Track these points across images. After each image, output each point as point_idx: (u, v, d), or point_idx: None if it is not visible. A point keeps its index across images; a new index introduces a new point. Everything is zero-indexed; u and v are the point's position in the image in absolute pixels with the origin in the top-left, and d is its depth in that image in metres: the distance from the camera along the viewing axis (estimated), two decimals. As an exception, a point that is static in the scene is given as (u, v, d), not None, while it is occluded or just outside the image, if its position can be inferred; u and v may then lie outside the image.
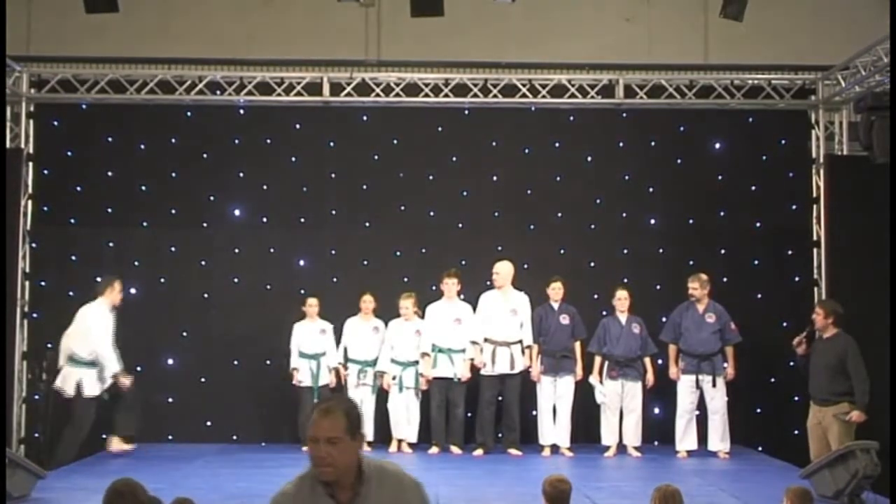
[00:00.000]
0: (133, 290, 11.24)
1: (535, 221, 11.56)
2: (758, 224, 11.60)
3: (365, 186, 11.54)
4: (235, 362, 11.19)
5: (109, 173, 11.40)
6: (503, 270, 10.55)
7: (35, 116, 11.38)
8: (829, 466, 7.79)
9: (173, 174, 11.42)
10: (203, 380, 11.12)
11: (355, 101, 11.51)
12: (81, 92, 11.28)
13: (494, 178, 11.59)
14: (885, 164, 9.77)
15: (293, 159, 11.52)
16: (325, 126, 11.58)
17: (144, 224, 11.43)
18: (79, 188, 11.36)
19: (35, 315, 11.24)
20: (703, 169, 11.68)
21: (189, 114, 11.50)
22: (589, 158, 11.66)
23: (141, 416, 10.24)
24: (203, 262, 11.34)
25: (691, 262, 11.11)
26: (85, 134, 11.39)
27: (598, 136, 11.67)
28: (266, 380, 11.18)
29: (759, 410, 11.23)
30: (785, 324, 10.76)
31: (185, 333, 11.20)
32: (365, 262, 11.36)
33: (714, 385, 10.27)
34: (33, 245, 11.30)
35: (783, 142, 11.77)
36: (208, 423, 11.11)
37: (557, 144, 11.68)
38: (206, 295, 11.23)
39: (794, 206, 11.66)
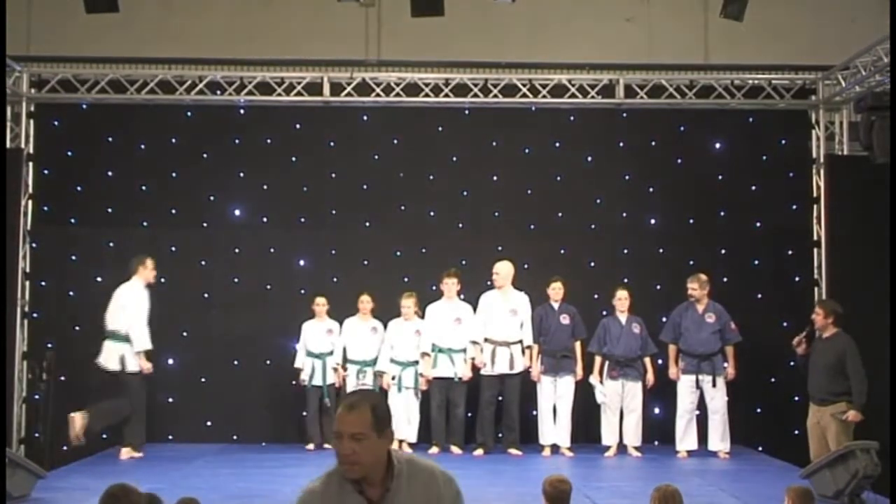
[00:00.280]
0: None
1: (535, 221, 11.56)
2: (758, 224, 11.60)
3: (365, 186, 11.54)
4: (235, 362, 11.19)
5: (109, 173, 11.41)
6: (503, 270, 10.55)
7: (35, 116, 11.38)
8: (830, 466, 7.80)
9: (173, 174, 11.43)
10: (203, 380, 11.13)
11: (355, 101, 11.51)
12: (81, 92, 11.28)
13: (494, 178, 11.59)
14: (885, 164, 9.77)
15: (293, 159, 11.53)
16: (325, 126, 11.58)
17: (144, 224, 11.43)
18: (79, 188, 11.37)
19: (35, 315, 11.24)
20: (703, 169, 11.68)
21: (189, 114, 11.51)
22: (589, 158, 11.66)
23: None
24: (203, 262, 11.35)
25: (691, 262, 11.11)
26: (85, 134, 11.39)
27: (598, 136, 11.68)
28: (266, 380, 11.20)
29: (759, 410, 11.23)
30: (785, 324, 10.76)
31: (185, 333, 11.20)
32: (365, 262, 11.36)
33: (714, 385, 10.27)
34: (33, 245, 11.30)
35: (783, 142, 11.78)
36: (208, 423, 11.11)
37: (557, 144, 11.69)
38: (206, 295, 11.23)
39: (794, 206, 11.66)
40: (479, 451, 10.36)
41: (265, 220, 11.52)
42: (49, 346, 10.76)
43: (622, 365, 10.40)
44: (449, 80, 11.49)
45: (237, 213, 11.54)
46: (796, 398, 10.25)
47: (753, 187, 11.64)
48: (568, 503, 5.64)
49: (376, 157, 11.57)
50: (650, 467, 9.83)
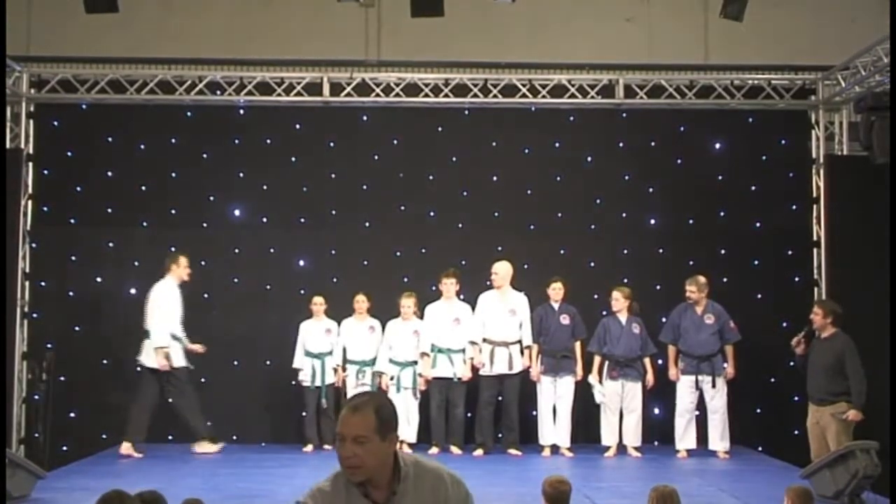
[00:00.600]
0: (133, 291, 11.26)
1: (535, 221, 11.56)
2: (758, 224, 11.60)
3: (365, 186, 11.54)
4: (235, 362, 11.19)
5: (109, 173, 11.41)
6: (502, 270, 10.55)
7: (35, 116, 11.38)
8: (830, 466, 7.79)
9: (173, 174, 11.43)
10: (203, 380, 11.10)
11: (355, 101, 11.51)
12: (81, 92, 11.28)
13: (494, 178, 11.59)
14: (885, 164, 9.78)
15: (293, 159, 11.53)
16: (325, 126, 11.58)
17: (144, 224, 11.43)
18: (79, 188, 11.37)
19: (35, 315, 11.24)
20: (703, 169, 11.68)
21: (189, 114, 11.51)
22: (589, 158, 11.66)
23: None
24: (203, 262, 11.32)
25: (691, 262, 11.11)
26: (85, 134, 11.39)
27: (598, 136, 11.67)
28: (266, 380, 11.20)
29: (759, 410, 11.23)
30: (785, 324, 10.75)
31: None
32: (365, 262, 11.36)
33: (714, 386, 10.27)
34: (33, 245, 11.30)
35: (783, 142, 11.78)
36: (208, 423, 11.07)
37: (557, 144, 11.68)
38: (206, 295, 11.22)
39: (794, 206, 11.66)
40: (479, 452, 10.36)
41: (265, 220, 11.52)
42: (49, 346, 10.78)
43: (622, 365, 10.40)
44: (449, 80, 11.49)
45: (237, 213, 11.54)
46: (796, 398, 10.24)
47: (753, 187, 11.64)
48: (567, 503, 5.64)
49: (376, 157, 11.57)
50: (650, 467, 9.83)
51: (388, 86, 11.47)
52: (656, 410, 10.93)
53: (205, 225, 11.47)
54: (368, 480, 3.19)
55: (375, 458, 3.16)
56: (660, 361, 10.61)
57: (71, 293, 11.27)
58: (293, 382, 10.78)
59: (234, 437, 11.02)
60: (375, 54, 11.69)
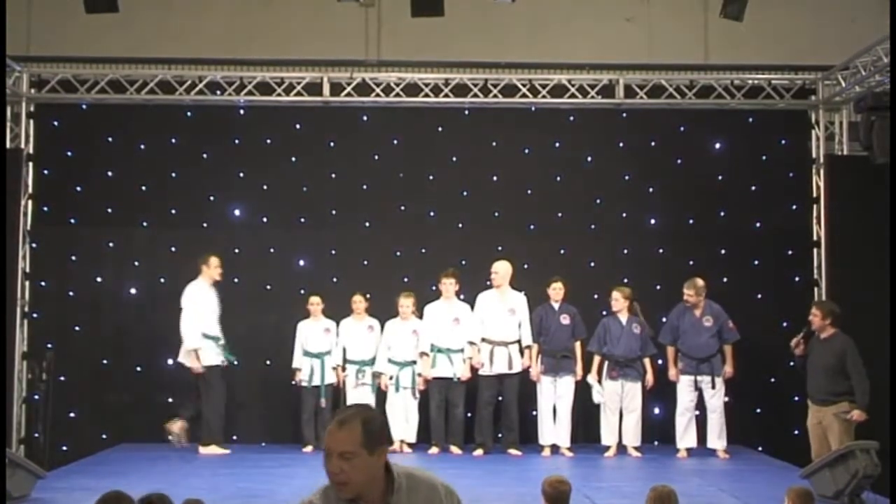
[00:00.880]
0: (133, 290, 11.28)
1: (535, 221, 11.56)
2: (758, 224, 11.60)
3: (365, 186, 11.54)
4: (235, 362, 11.18)
5: (109, 173, 11.41)
6: (502, 270, 10.55)
7: (35, 116, 11.38)
8: (830, 466, 7.79)
9: (173, 174, 11.43)
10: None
11: (355, 101, 11.51)
12: (81, 92, 11.28)
13: (494, 178, 11.59)
14: (885, 164, 9.78)
15: (293, 159, 11.52)
16: (325, 126, 11.57)
17: (144, 224, 11.44)
18: (79, 188, 11.37)
19: (35, 315, 11.24)
20: (703, 169, 11.67)
21: (189, 114, 11.51)
22: (589, 158, 11.66)
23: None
24: (203, 262, 11.33)
25: (691, 262, 11.12)
26: (85, 134, 11.39)
27: (598, 136, 11.67)
28: (266, 380, 11.19)
29: (759, 410, 11.22)
30: (785, 324, 10.74)
31: (185, 333, 11.19)
32: (365, 262, 11.36)
33: (713, 386, 10.27)
34: (33, 245, 11.30)
35: (783, 142, 11.78)
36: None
37: (557, 144, 11.68)
38: (206, 295, 11.21)
39: (794, 206, 11.66)
40: (479, 452, 10.36)
41: (265, 220, 11.52)
42: (49, 346, 10.77)
43: (622, 365, 10.40)
44: (449, 80, 11.49)
45: (237, 213, 11.54)
46: (796, 398, 10.23)
47: (753, 187, 11.64)
48: (567, 503, 5.64)
49: (376, 157, 11.57)
50: (650, 467, 9.83)
51: (388, 86, 11.47)
52: (656, 410, 10.93)
53: (205, 225, 11.47)
54: (359, 496, 3.10)
55: (364, 474, 3.08)
56: (660, 362, 10.61)
57: (71, 293, 11.27)
58: (293, 382, 10.78)
59: (234, 437, 11.02)
60: (375, 54, 11.69)
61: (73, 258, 11.34)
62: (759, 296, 11.42)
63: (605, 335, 10.46)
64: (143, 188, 11.41)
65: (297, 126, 11.53)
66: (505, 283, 10.56)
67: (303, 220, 11.55)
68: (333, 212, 11.53)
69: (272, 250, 11.43)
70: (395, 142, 11.63)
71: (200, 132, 11.48)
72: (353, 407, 3.31)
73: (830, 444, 8.74)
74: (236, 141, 11.51)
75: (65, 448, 10.66)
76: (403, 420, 10.44)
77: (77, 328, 11.19)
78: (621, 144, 11.67)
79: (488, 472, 9.26)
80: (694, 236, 11.56)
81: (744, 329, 10.49)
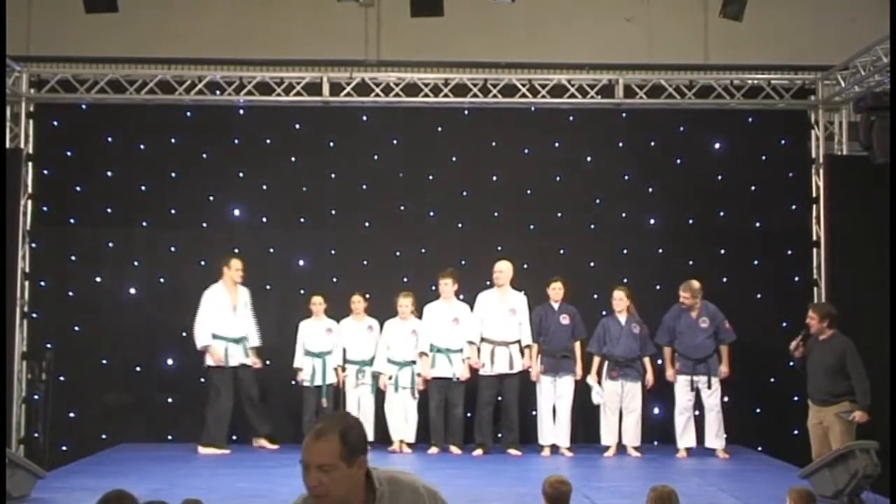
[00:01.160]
0: (133, 290, 11.28)
1: (535, 221, 11.56)
2: (758, 224, 11.60)
3: (365, 186, 11.54)
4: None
5: (109, 173, 11.41)
6: (507, 269, 10.56)
7: (35, 116, 11.38)
8: (829, 466, 7.80)
9: (173, 174, 11.43)
10: (203, 380, 11.10)
11: (355, 101, 11.51)
12: (81, 92, 11.28)
13: (494, 178, 11.59)
14: (885, 164, 9.78)
15: (293, 159, 11.53)
16: (325, 126, 11.58)
17: (144, 224, 11.44)
18: (79, 188, 11.37)
19: (35, 315, 11.24)
20: (703, 169, 11.68)
21: (189, 114, 11.51)
22: (589, 158, 11.66)
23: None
24: (203, 262, 11.34)
25: (691, 262, 11.12)
26: (85, 134, 11.40)
27: (598, 136, 11.68)
28: (267, 380, 11.18)
29: (758, 410, 11.23)
30: (785, 324, 10.75)
31: (184, 333, 11.17)
32: (365, 262, 11.37)
33: (710, 386, 10.28)
34: (33, 245, 11.31)
35: (783, 142, 11.78)
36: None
37: (557, 144, 11.69)
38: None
39: (794, 206, 11.66)
40: (478, 451, 10.36)
41: (265, 220, 11.52)
42: (49, 346, 10.76)
43: (622, 365, 10.40)
44: (449, 80, 11.49)
45: (237, 213, 11.55)
46: (796, 398, 10.24)
47: (753, 187, 11.65)
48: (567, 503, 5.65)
49: (376, 157, 11.58)
50: (650, 467, 9.83)
51: (388, 86, 11.47)
52: (656, 410, 10.93)
53: (205, 225, 11.47)
54: None
55: (342, 486, 2.99)
56: (659, 361, 10.61)
57: (71, 293, 11.27)
58: (293, 382, 10.78)
59: (234, 437, 11.01)
60: (375, 54, 11.69)
61: (73, 258, 11.34)
62: (759, 296, 11.42)
63: (605, 335, 10.47)
64: (143, 188, 11.41)
65: (297, 126, 11.53)
66: (507, 283, 10.57)
67: (303, 220, 11.55)
68: (333, 212, 11.54)
69: (272, 250, 11.43)
70: (395, 142, 11.63)
71: (200, 132, 11.48)
72: (331, 417, 3.20)
73: (831, 444, 8.73)
74: (236, 141, 11.51)
75: (65, 448, 10.66)
76: (403, 420, 10.45)
77: (77, 328, 11.19)
78: (621, 144, 11.68)
79: (488, 472, 9.26)
80: (694, 236, 11.57)
81: (743, 329, 10.49)
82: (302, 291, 11.02)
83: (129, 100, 11.39)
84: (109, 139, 11.42)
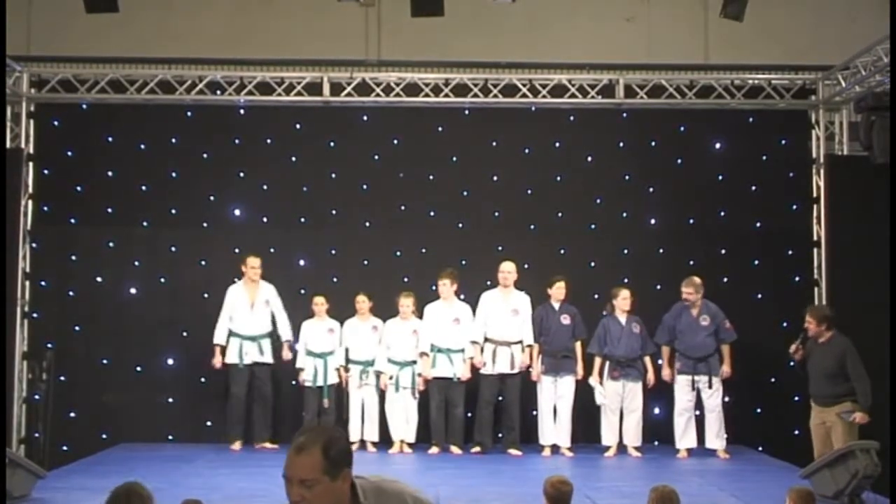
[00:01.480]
0: (133, 290, 11.27)
1: (535, 221, 11.56)
2: (758, 224, 11.59)
3: (365, 186, 11.54)
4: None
5: (109, 173, 11.40)
6: (513, 269, 10.55)
7: (35, 116, 11.38)
8: (830, 466, 7.80)
9: (173, 174, 11.42)
10: (203, 380, 11.12)
11: (355, 101, 11.51)
12: (81, 92, 11.28)
13: (494, 178, 11.59)
14: (885, 164, 9.78)
15: (293, 159, 11.52)
16: (325, 126, 11.57)
17: (144, 224, 11.43)
18: (79, 188, 11.37)
19: (35, 315, 11.24)
20: (703, 169, 11.67)
21: (189, 114, 11.50)
22: (589, 158, 11.66)
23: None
24: (203, 262, 11.34)
25: (691, 262, 11.11)
26: (85, 134, 11.39)
27: (598, 136, 11.67)
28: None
29: (759, 410, 11.22)
30: (785, 324, 10.75)
31: (185, 333, 11.20)
32: (365, 262, 11.36)
33: (710, 386, 10.28)
34: (33, 245, 11.30)
35: (783, 142, 11.77)
36: (208, 423, 11.11)
37: (557, 144, 11.68)
38: (206, 295, 11.21)
39: (794, 206, 11.66)
40: (476, 449, 10.35)
41: (265, 220, 11.51)
42: (49, 346, 10.76)
43: (623, 365, 10.40)
44: (449, 80, 11.49)
45: (237, 213, 11.54)
46: (796, 398, 10.25)
47: (753, 187, 11.64)
48: None
49: (376, 157, 11.57)
50: (650, 467, 9.83)
51: (388, 86, 11.47)
52: (656, 410, 10.93)
53: (205, 225, 11.47)
54: None
55: (325, 501, 2.93)
56: (659, 361, 10.61)
57: (71, 293, 11.27)
58: (293, 382, 10.78)
59: (234, 437, 11.02)
60: (375, 54, 11.69)
61: (73, 258, 11.34)
62: (759, 296, 11.42)
63: (606, 336, 10.46)
64: (143, 188, 11.40)
65: (297, 126, 11.53)
66: (512, 284, 10.57)
67: (303, 220, 11.55)
68: (333, 212, 11.53)
69: (272, 250, 11.41)
70: (395, 142, 11.62)
71: (200, 132, 11.48)
72: (313, 430, 3.12)
73: (834, 444, 8.73)
74: (236, 141, 11.50)
75: (65, 448, 10.65)
76: (403, 420, 10.45)
77: (77, 328, 11.18)
78: (621, 144, 11.67)
79: (488, 472, 9.26)
80: (694, 236, 11.56)
81: (744, 329, 10.49)
82: (302, 291, 11.02)
83: (129, 100, 11.39)
84: (110, 139, 11.42)
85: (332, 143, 11.58)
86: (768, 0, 10.75)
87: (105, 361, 11.14)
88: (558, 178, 11.61)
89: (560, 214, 11.56)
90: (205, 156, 11.46)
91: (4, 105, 11.02)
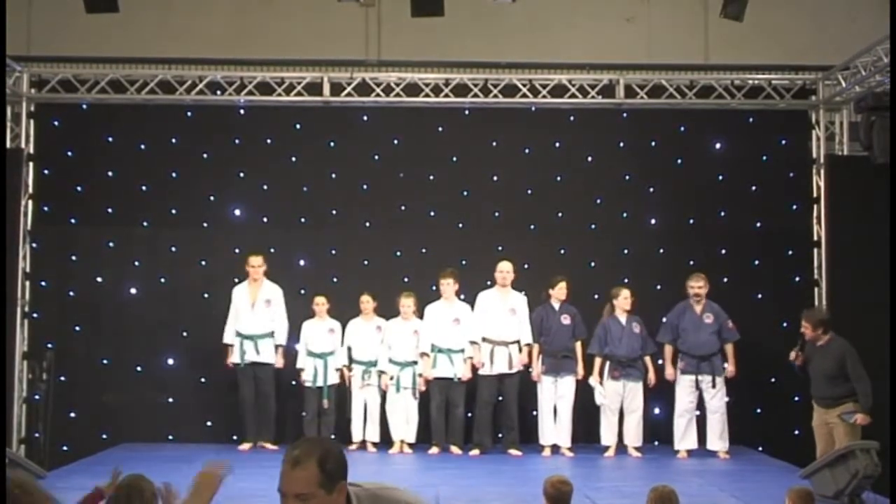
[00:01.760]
0: (133, 290, 11.28)
1: (535, 221, 11.56)
2: (758, 224, 11.60)
3: (365, 186, 11.54)
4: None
5: (109, 173, 11.40)
6: (511, 269, 10.55)
7: (35, 116, 11.38)
8: (830, 466, 7.80)
9: (173, 174, 11.42)
10: (203, 380, 11.12)
11: (355, 101, 11.51)
12: (81, 92, 11.28)
13: (494, 178, 11.59)
14: (885, 164, 9.78)
15: (293, 159, 11.52)
16: (325, 126, 11.57)
17: (144, 224, 11.43)
18: (79, 188, 11.37)
19: (35, 315, 11.24)
20: (703, 169, 11.67)
21: (189, 114, 11.50)
22: (589, 158, 11.66)
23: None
24: (203, 262, 11.34)
25: (691, 262, 11.11)
26: (85, 134, 11.39)
27: (598, 136, 11.67)
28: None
29: (759, 410, 11.22)
30: (785, 324, 10.75)
31: (185, 333, 11.20)
32: (365, 262, 11.36)
33: (714, 385, 10.27)
34: (33, 245, 11.30)
35: (783, 142, 11.77)
36: (208, 423, 11.11)
37: (557, 144, 11.68)
38: (206, 295, 11.22)
39: (794, 206, 11.66)
40: (475, 451, 10.35)
41: (265, 220, 11.51)
42: (49, 346, 10.76)
43: (624, 365, 10.40)
44: (449, 80, 11.49)
45: (237, 213, 11.54)
46: (796, 398, 10.26)
47: (753, 187, 11.64)
48: None
49: (376, 157, 11.57)
50: (650, 467, 9.83)
51: (389, 86, 11.47)
52: (656, 410, 10.93)
53: (205, 225, 11.47)
54: None
55: None
56: (659, 361, 10.61)
57: (71, 293, 11.27)
58: (293, 382, 10.78)
59: (234, 437, 11.01)
60: (375, 54, 11.69)
61: (73, 258, 11.34)
62: (760, 296, 11.42)
63: (606, 336, 10.46)
64: (143, 188, 11.40)
65: (297, 126, 11.53)
66: (509, 283, 10.57)
67: (303, 220, 11.55)
68: (333, 212, 11.53)
69: (272, 250, 11.40)
70: (395, 142, 11.62)
71: (200, 132, 11.48)
72: (308, 443, 3.07)
73: (836, 444, 8.71)
74: (236, 141, 11.50)
75: (65, 448, 10.66)
76: (404, 420, 10.45)
77: (77, 328, 11.19)
78: (621, 144, 11.67)
79: (488, 472, 9.26)
80: (694, 236, 11.56)
81: (744, 329, 10.49)
82: (302, 291, 11.02)
83: (129, 100, 11.39)
84: (110, 139, 11.42)
85: (332, 143, 11.58)
86: (768, 0, 10.75)
87: (105, 361, 11.14)
88: (558, 178, 11.61)
89: (560, 214, 11.56)
90: (205, 156, 11.46)
91: (4, 105, 11.02)
